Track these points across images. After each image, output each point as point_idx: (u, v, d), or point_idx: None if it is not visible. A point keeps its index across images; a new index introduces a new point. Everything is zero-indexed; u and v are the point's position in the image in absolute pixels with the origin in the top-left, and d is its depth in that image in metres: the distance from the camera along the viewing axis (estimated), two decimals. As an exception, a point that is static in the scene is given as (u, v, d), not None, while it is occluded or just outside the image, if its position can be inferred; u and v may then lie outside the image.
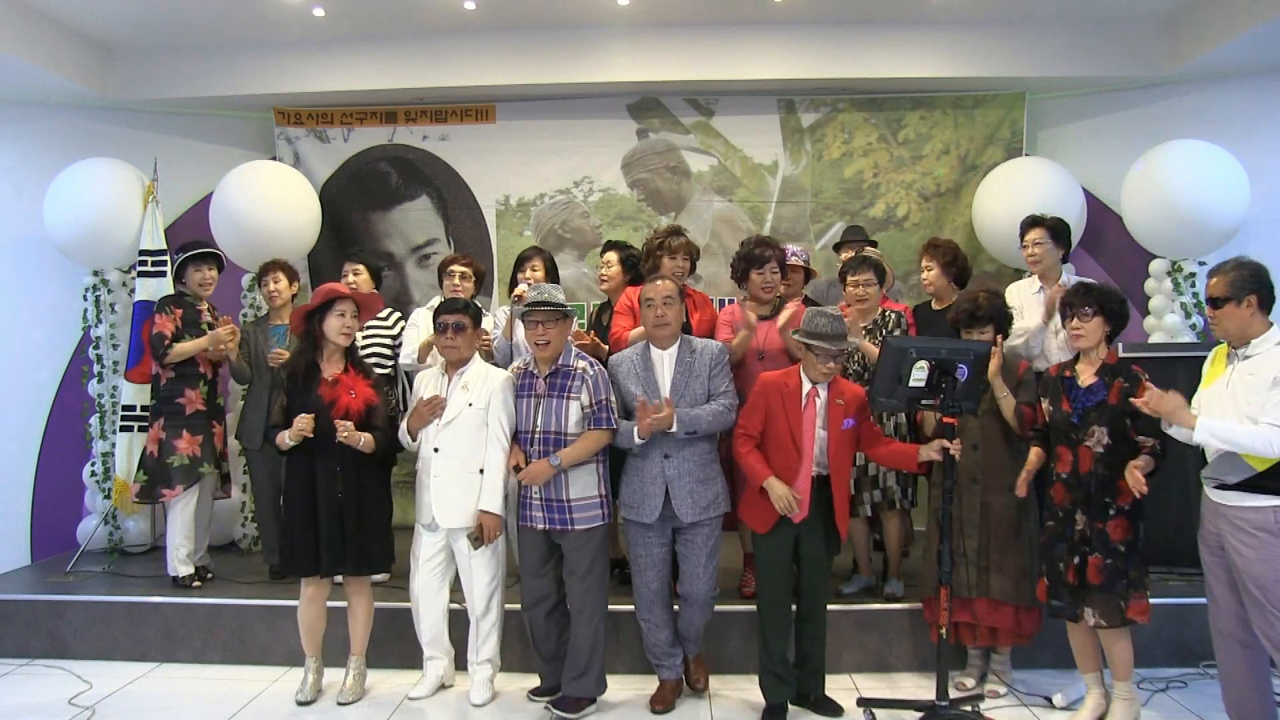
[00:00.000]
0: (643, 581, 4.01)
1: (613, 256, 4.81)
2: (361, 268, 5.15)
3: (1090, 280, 4.08)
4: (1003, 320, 4.10)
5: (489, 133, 6.53)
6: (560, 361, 4.00)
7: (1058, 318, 4.17)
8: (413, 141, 6.58)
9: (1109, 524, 3.61)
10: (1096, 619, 3.62)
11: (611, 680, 4.26)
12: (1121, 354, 4.96)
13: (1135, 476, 3.51)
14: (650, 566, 3.99)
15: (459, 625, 4.25)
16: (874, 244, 5.44)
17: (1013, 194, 5.86)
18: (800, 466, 3.78)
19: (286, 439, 3.96)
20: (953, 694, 3.81)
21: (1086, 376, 3.71)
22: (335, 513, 4.00)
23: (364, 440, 3.97)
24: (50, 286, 6.11)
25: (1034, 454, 3.82)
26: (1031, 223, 4.69)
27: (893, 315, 4.54)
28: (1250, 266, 3.34)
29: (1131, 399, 3.42)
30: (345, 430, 3.92)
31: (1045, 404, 3.82)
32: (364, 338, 4.86)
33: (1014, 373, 4.07)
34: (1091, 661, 3.82)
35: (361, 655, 4.23)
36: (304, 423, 3.92)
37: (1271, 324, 3.32)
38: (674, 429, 3.86)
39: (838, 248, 5.52)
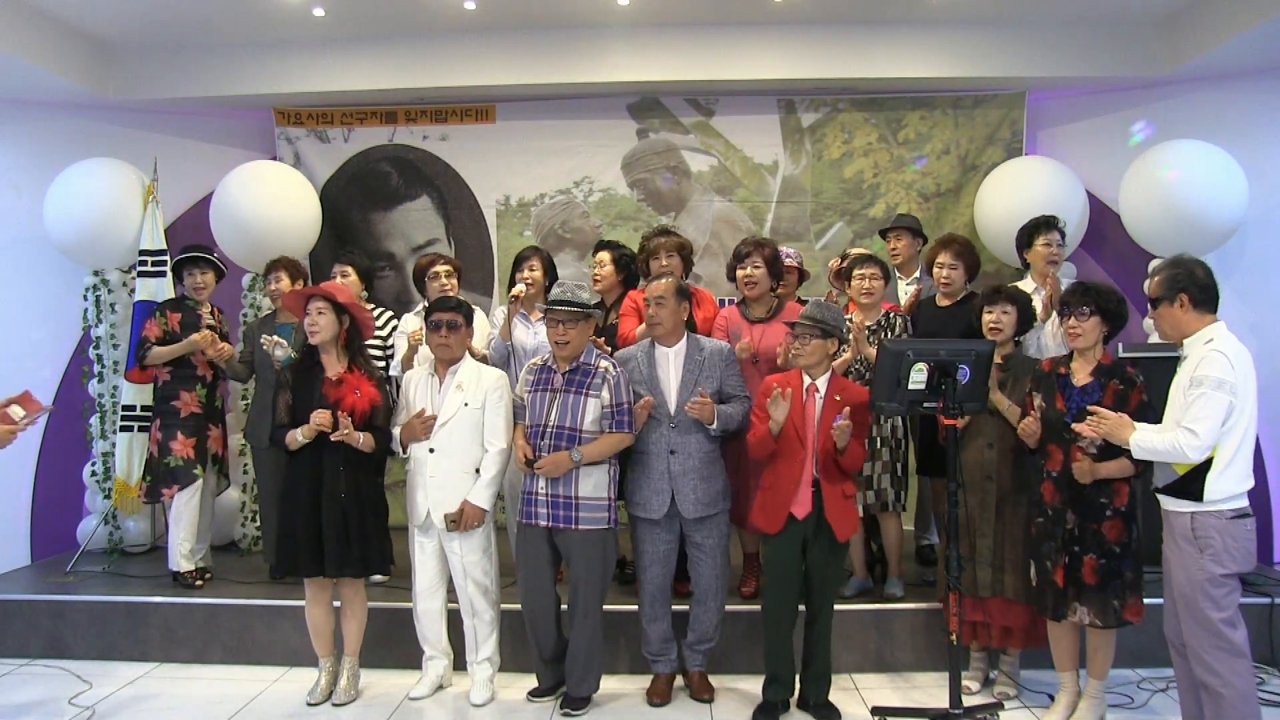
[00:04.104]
0: (648, 577, 4.05)
1: (605, 256, 4.81)
2: (350, 269, 5.15)
3: (1089, 280, 4.09)
4: (1024, 307, 4.08)
5: (489, 133, 6.53)
6: (581, 359, 3.99)
7: (1054, 314, 4.20)
8: (413, 141, 6.57)
9: (1104, 525, 3.61)
10: (1091, 618, 3.61)
11: (612, 679, 4.30)
12: (1121, 354, 4.98)
13: (1087, 467, 3.54)
14: (656, 561, 4.03)
15: (459, 625, 4.25)
16: (921, 233, 5.40)
17: (1017, 193, 5.86)
18: (805, 461, 3.80)
19: (299, 436, 3.95)
20: (967, 702, 3.79)
21: (1081, 376, 3.69)
22: (339, 513, 3.98)
23: (363, 439, 3.97)
24: (50, 286, 6.10)
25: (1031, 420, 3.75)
26: (1048, 225, 4.70)
27: (898, 319, 4.55)
28: (1182, 264, 3.35)
29: (1075, 427, 3.45)
30: (345, 428, 3.90)
31: (1038, 399, 3.80)
32: None
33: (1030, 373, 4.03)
34: (1069, 660, 3.83)
35: (355, 656, 4.23)
36: (321, 418, 3.90)
37: (1212, 321, 3.32)
38: (714, 427, 3.94)
39: (884, 234, 5.52)
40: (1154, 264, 3.40)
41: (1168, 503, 3.35)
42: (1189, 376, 3.23)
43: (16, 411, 3.52)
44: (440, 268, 4.92)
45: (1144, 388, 3.60)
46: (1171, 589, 3.37)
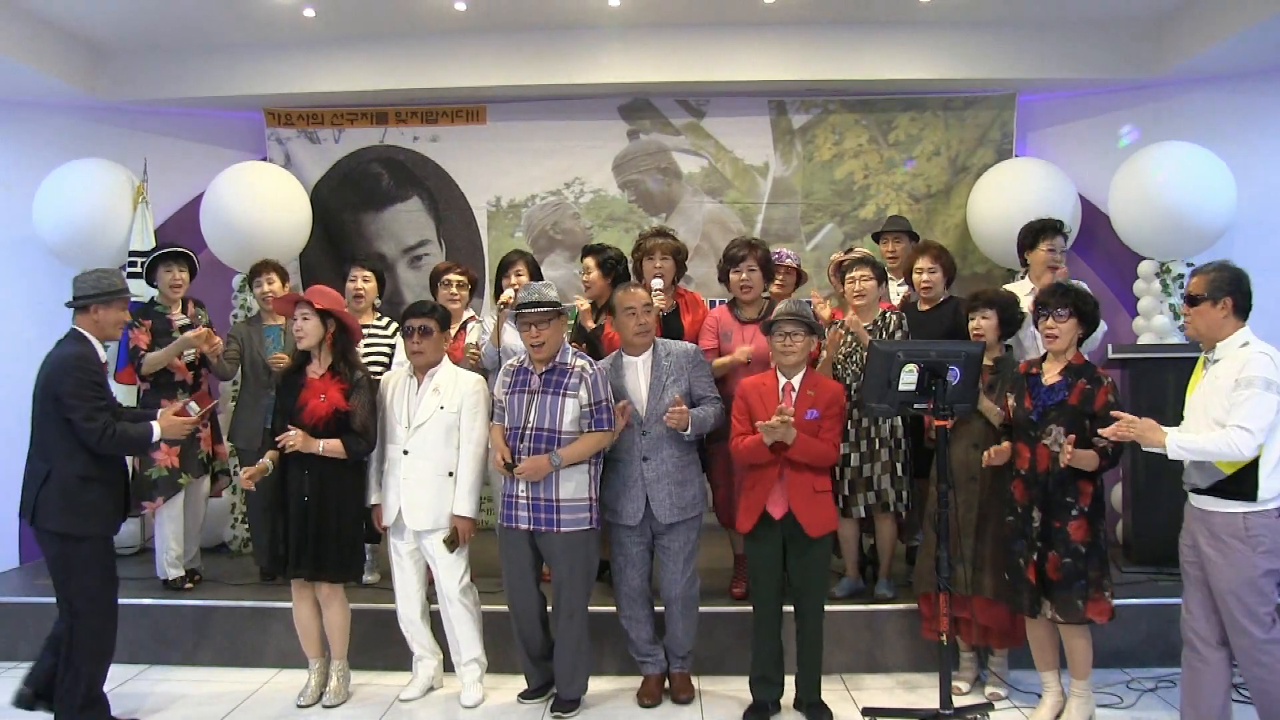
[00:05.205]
0: (623, 580, 4.04)
1: (590, 262, 4.81)
2: (370, 274, 5.12)
3: (1066, 281, 4.11)
4: (1009, 312, 4.09)
5: (480, 134, 6.52)
6: (557, 359, 3.97)
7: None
8: (403, 143, 6.57)
9: (1070, 524, 3.62)
10: (1054, 614, 3.65)
11: (602, 680, 4.30)
12: (1110, 354, 5.00)
13: (1069, 452, 3.51)
14: (629, 565, 4.03)
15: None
16: (915, 236, 5.41)
17: (1010, 195, 5.88)
18: (780, 461, 3.79)
19: (266, 461, 4.01)
20: (957, 703, 3.80)
21: (1051, 375, 3.72)
22: (299, 517, 3.98)
23: (322, 446, 3.94)
24: (41, 287, 6.06)
25: (1004, 445, 3.80)
26: (1053, 230, 4.69)
27: (893, 317, 4.54)
28: (1231, 270, 3.36)
29: (1101, 432, 3.41)
30: (291, 439, 3.90)
31: (1010, 400, 3.83)
32: (364, 346, 4.73)
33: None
34: (1049, 659, 3.85)
35: (342, 659, 4.21)
36: (248, 473, 4.00)
37: (1243, 327, 3.33)
38: (688, 432, 3.92)
39: (877, 237, 5.53)
40: (1208, 263, 3.33)
41: (1211, 503, 3.30)
42: (1234, 378, 3.20)
43: (194, 407, 3.70)
44: (453, 277, 4.88)
45: (1112, 389, 3.63)
46: (1205, 590, 3.35)
